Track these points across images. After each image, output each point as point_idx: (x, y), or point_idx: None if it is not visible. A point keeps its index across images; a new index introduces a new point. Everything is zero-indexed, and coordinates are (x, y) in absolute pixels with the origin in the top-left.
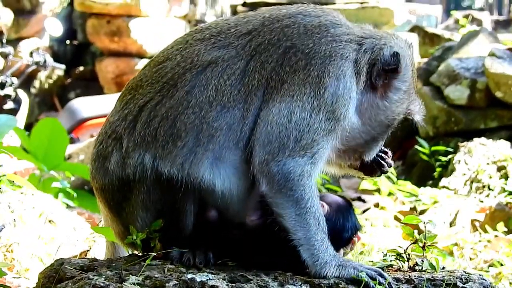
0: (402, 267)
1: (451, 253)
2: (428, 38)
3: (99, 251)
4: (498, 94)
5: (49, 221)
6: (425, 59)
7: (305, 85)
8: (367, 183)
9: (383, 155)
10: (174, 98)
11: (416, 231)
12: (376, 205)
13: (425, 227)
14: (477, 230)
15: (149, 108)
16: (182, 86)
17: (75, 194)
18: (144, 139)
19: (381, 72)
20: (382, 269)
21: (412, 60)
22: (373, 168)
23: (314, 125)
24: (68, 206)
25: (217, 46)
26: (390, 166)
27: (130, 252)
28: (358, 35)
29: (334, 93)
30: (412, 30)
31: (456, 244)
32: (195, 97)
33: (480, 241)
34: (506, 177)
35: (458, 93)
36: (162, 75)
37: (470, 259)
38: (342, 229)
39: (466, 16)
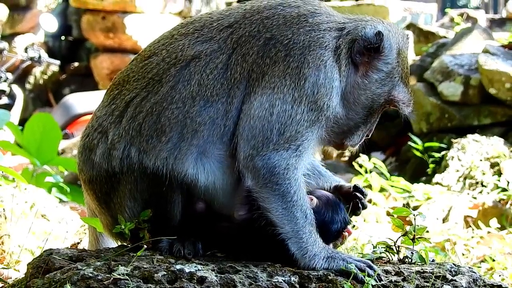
0: (392, 259)
1: (443, 249)
2: (423, 36)
3: None
4: (492, 90)
5: (42, 215)
6: (420, 57)
7: (285, 77)
8: (358, 180)
9: (361, 196)
10: (159, 94)
11: (408, 227)
12: (369, 201)
13: (414, 219)
14: (470, 226)
15: (135, 104)
16: (167, 81)
17: (68, 189)
18: (128, 133)
19: (363, 49)
20: (372, 261)
21: (400, 46)
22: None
23: (296, 117)
24: (61, 201)
25: (200, 40)
26: (364, 208)
27: (118, 243)
28: (340, 22)
29: (315, 84)
30: (407, 27)
31: (448, 240)
32: (179, 92)
33: (472, 237)
34: (499, 173)
35: (451, 89)
36: (148, 71)
37: (463, 255)
38: (331, 221)
39: (461, 14)
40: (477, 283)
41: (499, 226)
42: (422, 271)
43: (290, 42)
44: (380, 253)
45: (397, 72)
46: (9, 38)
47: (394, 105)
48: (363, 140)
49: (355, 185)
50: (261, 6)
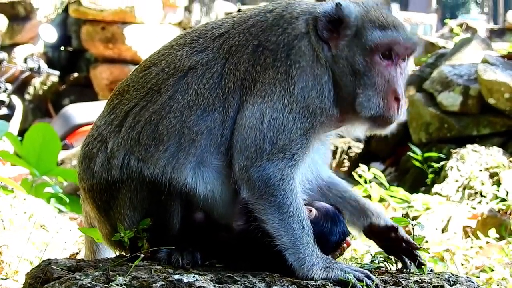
0: (390, 269)
1: (442, 259)
2: (423, 46)
3: None
4: (491, 100)
5: (40, 225)
6: (419, 67)
7: (275, 84)
8: (357, 190)
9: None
10: (157, 103)
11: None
12: None
13: (413, 229)
14: (469, 236)
15: (134, 113)
16: (165, 91)
17: (67, 199)
18: (128, 142)
19: (328, 25)
20: (370, 271)
21: (367, 9)
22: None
23: (288, 124)
24: (60, 211)
25: (197, 50)
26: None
27: (117, 254)
28: (312, 5)
29: (304, 88)
30: None
31: (447, 250)
32: (177, 101)
33: (472, 247)
34: (498, 183)
35: (451, 99)
36: (147, 81)
37: (462, 265)
38: (330, 233)
39: (461, 25)
40: None
41: (498, 236)
42: (420, 281)
43: (274, 46)
44: (379, 263)
45: (367, 23)
46: (8, 48)
47: (384, 49)
48: (390, 103)
49: (402, 237)
50: (247, 16)
